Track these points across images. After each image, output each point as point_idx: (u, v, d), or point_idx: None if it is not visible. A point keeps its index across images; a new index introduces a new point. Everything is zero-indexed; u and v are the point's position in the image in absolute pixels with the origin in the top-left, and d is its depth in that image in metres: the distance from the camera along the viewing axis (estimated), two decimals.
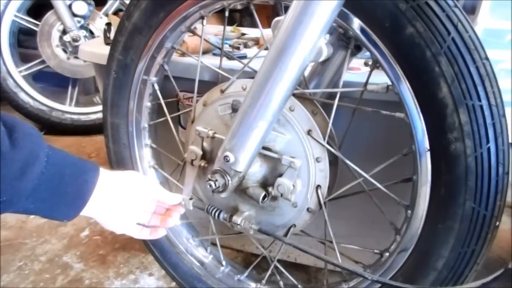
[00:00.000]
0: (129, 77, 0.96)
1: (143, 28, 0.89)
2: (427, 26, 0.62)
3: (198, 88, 0.91)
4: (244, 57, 1.10)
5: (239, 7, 1.84)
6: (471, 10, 1.05)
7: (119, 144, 1.04)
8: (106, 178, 0.62)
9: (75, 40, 2.17)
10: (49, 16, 2.18)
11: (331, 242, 0.84)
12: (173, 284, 1.21)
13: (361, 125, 0.83)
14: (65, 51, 2.24)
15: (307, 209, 0.81)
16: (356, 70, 0.97)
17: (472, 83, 0.62)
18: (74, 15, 2.15)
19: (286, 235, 0.85)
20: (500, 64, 1.01)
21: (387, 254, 0.80)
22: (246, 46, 1.20)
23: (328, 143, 0.77)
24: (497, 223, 0.67)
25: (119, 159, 1.06)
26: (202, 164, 0.84)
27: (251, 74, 0.78)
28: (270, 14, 1.93)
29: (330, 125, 0.77)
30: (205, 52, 1.12)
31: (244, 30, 1.43)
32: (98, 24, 2.26)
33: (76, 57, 2.18)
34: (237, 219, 0.80)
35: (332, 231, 0.83)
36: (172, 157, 1.03)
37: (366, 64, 1.01)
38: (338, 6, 0.63)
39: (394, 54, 0.66)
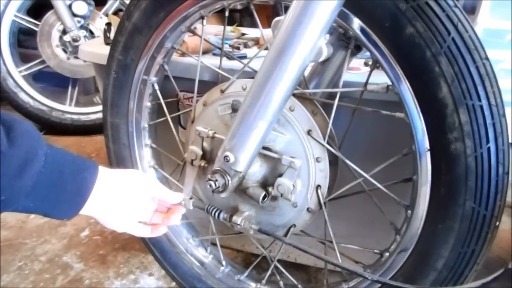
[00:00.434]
0: (129, 77, 0.96)
1: (143, 28, 0.89)
2: (427, 26, 0.62)
3: (198, 88, 0.91)
4: (244, 57, 1.11)
5: (239, 7, 1.84)
6: (471, 10, 1.05)
7: (119, 144, 1.04)
8: (106, 176, 0.61)
9: (75, 40, 2.16)
10: (49, 16, 2.18)
11: (331, 242, 0.84)
12: (173, 284, 1.21)
13: (361, 125, 0.83)
14: (65, 51, 2.24)
15: (307, 209, 0.81)
16: (356, 70, 0.97)
17: (472, 83, 0.62)
18: (74, 15, 2.15)
19: (286, 235, 0.85)
20: (500, 64, 1.01)
21: (387, 254, 0.80)
22: (246, 46, 1.20)
23: (328, 143, 0.77)
24: (497, 223, 0.67)
25: (119, 159, 1.06)
26: (202, 164, 0.84)
27: (251, 74, 0.78)
28: (270, 14, 1.93)
29: (330, 125, 0.77)
30: (205, 52, 1.12)
31: (244, 30, 1.43)
32: (98, 24, 2.26)
33: (76, 57, 2.18)
34: (237, 219, 0.80)
35: (332, 231, 0.83)
36: (172, 157, 1.03)
37: (366, 64, 1.01)
38: (338, 6, 0.63)
39: (394, 54, 0.66)
